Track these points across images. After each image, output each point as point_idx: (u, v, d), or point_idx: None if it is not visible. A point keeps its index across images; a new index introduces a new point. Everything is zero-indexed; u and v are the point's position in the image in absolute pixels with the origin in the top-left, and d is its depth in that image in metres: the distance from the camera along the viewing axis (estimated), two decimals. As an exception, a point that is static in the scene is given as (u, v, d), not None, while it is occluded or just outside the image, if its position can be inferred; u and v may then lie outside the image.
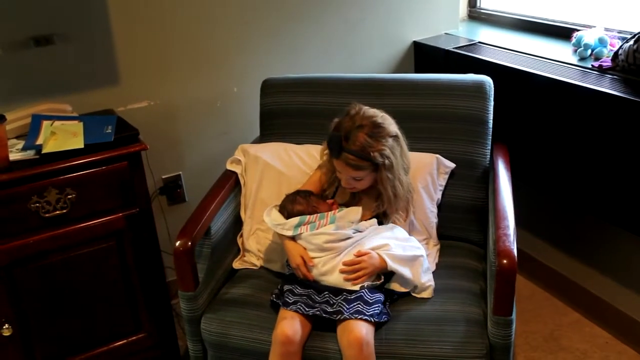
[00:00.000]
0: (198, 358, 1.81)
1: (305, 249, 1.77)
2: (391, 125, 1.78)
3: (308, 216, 1.81)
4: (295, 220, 1.80)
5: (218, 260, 1.92)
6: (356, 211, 1.83)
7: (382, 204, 1.83)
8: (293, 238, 1.80)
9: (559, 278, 2.47)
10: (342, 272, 1.71)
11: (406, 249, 1.76)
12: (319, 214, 1.82)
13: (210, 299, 1.82)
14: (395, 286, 1.75)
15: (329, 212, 1.83)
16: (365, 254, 1.72)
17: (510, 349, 1.59)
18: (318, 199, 1.88)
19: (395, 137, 1.78)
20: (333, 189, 1.92)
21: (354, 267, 1.71)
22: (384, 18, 2.63)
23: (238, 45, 2.40)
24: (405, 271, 1.72)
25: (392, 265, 1.71)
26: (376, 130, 1.73)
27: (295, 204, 1.85)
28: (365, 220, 1.84)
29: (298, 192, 1.89)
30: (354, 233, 1.78)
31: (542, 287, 2.54)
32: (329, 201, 1.89)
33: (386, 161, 1.73)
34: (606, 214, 2.02)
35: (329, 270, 1.73)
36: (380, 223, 1.85)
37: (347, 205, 1.89)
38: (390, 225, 1.85)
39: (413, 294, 1.77)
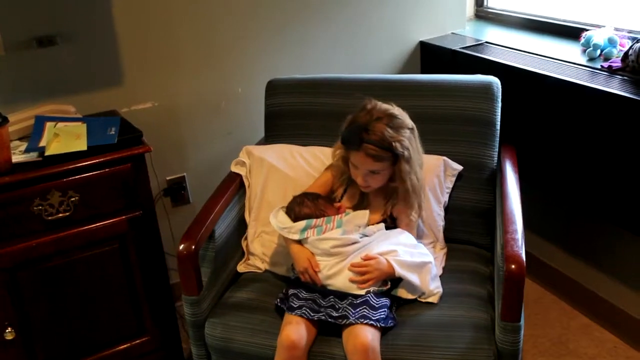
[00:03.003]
0: (202, 362, 1.80)
1: (312, 253, 1.75)
2: (407, 118, 1.78)
3: (315, 220, 1.78)
4: (302, 224, 1.78)
5: (222, 263, 1.90)
6: (363, 214, 1.81)
7: (395, 200, 1.81)
8: (299, 242, 1.78)
9: (567, 281, 2.44)
10: (350, 270, 1.69)
11: (414, 255, 1.74)
12: (325, 218, 1.79)
13: (214, 303, 1.80)
14: (403, 293, 1.73)
15: (336, 216, 1.80)
16: (373, 258, 1.69)
17: (519, 355, 1.56)
18: (326, 202, 1.86)
19: (412, 129, 1.78)
20: (341, 191, 1.90)
21: (361, 269, 1.68)
22: (390, 18, 2.60)
23: (243, 46, 2.38)
24: (413, 278, 1.70)
25: (400, 271, 1.68)
26: (395, 122, 1.73)
27: (303, 207, 1.83)
28: (373, 224, 1.82)
29: (306, 195, 1.87)
30: (361, 238, 1.75)
31: (550, 290, 2.51)
32: (337, 204, 1.87)
33: (405, 152, 1.73)
34: (615, 217, 1.99)
35: (335, 274, 1.70)
36: (387, 228, 1.83)
37: (355, 208, 1.87)
38: (398, 230, 1.83)
39: (419, 299, 1.74)
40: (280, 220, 1.81)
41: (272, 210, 1.87)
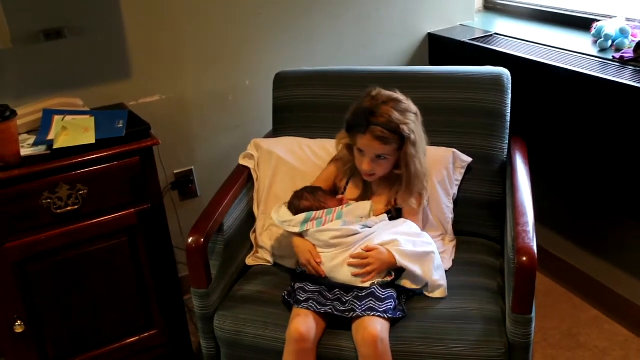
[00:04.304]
0: (211, 356, 1.79)
1: (313, 245, 1.75)
2: (411, 103, 1.79)
3: (315, 212, 1.78)
4: (301, 216, 1.78)
5: (231, 256, 1.89)
6: (365, 206, 1.80)
7: (399, 188, 1.80)
8: (301, 235, 1.78)
9: (577, 274, 2.43)
10: (350, 265, 1.68)
11: (417, 244, 1.72)
12: (326, 210, 1.79)
13: (224, 296, 1.80)
14: (406, 283, 1.71)
15: (337, 208, 1.80)
16: (373, 249, 1.69)
17: (530, 348, 1.56)
18: (326, 194, 1.86)
19: (416, 114, 1.78)
20: (344, 182, 1.89)
21: (362, 262, 1.68)
22: (398, 10, 2.59)
23: (251, 38, 2.37)
24: (415, 268, 1.68)
25: (401, 261, 1.67)
26: (400, 106, 1.75)
27: (302, 200, 1.83)
28: (378, 215, 1.81)
29: (306, 188, 1.87)
30: (362, 229, 1.74)
31: (560, 283, 2.50)
32: (339, 197, 1.86)
33: (412, 135, 1.73)
34: (626, 210, 1.97)
35: (337, 266, 1.70)
36: (392, 219, 1.82)
37: (358, 199, 1.86)
38: (402, 220, 1.81)
39: (425, 293, 1.73)
40: (280, 215, 1.81)
41: (279, 204, 1.87)
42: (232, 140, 2.44)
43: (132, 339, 2.05)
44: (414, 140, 1.73)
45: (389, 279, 1.69)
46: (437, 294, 1.72)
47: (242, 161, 2.05)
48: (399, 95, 1.77)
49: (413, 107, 1.78)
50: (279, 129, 2.17)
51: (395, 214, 1.83)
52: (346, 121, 1.78)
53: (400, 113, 1.72)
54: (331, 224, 1.74)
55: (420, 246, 1.72)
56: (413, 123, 1.74)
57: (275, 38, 2.41)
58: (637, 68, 1.94)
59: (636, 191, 1.91)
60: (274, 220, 1.83)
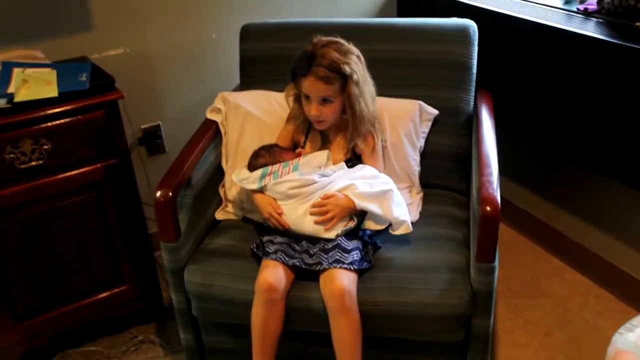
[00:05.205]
0: (182, 309, 1.81)
1: (274, 199, 1.76)
2: (353, 47, 1.80)
3: (271, 167, 1.80)
4: (258, 172, 1.80)
5: (200, 211, 1.89)
6: (321, 155, 1.82)
7: (349, 128, 1.82)
8: (261, 191, 1.79)
9: (541, 226, 2.48)
10: (311, 214, 1.70)
11: (374, 185, 1.74)
12: (282, 163, 1.81)
13: (193, 250, 1.81)
14: (370, 224, 1.74)
15: (293, 160, 1.81)
16: (331, 196, 1.71)
17: (493, 295, 1.60)
18: (282, 149, 1.88)
19: (359, 57, 1.80)
20: (303, 137, 1.91)
21: (321, 209, 1.70)
22: (366, -39, 2.55)
23: (216, -10, 2.32)
24: (374, 207, 1.71)
25: (360, 203, 1.69)
26: (341, 47, 1.77)
27: (259, 158, 1.85)
28: (336, 164, 1.83)
29: (262, 147, 1.89)
30: (320, 178, 1.76)
31: (524, 234, 2.56)
32: (297, 151, 1.88)
33: (354, 75, 1.74)
34: (589, 161, 2.01)
35: (300, 216, 1.72)
36: (351, 167, 1.83)
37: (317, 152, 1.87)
38: (360, 166, 1.83)
39: (391, 232, 1.75)
40: (240, 175, 1.83)
41: (248, 157, 1.88)
42: (199, 95, 2.41)
43: (103, 295, 2.06)
44: (356, 79, 1.75)
45: (352, 224, 1.71)
46: (401, 230, 1.74)
47: (210, 115, 2.03)
48: (339, 39, 1.79)
49: (355, 50, 1.80)
50: (246, 82, 2.15)
51: (356, 161, 1.85)
52: (291, 70, 1.79)
53: (341, 54, 1.75)
54: (288, 176, 1.76)
55: (377, 186, 1.74)
56: (355, 64, 1.76)
57: (242, -10, 2.37)
58: (600, 20, 1.96)
59: (598, 142, 1.95)
60: (234, 180, 1.85)
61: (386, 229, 1.76)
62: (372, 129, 1.85)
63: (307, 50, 1.76)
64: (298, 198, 1.73)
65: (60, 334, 2.05)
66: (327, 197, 1.71)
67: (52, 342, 2.04)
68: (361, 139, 1.84)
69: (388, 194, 1.73)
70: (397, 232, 1.74)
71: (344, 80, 1.75)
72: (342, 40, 1.79)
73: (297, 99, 1.86)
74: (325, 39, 1.79)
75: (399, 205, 1.75)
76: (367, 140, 1.85)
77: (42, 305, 1.97)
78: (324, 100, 1.77)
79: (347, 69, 1.73)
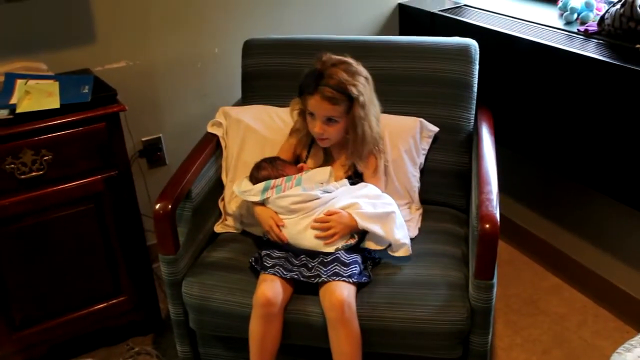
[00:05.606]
0: (179, 321, 1.81)
1: (276, 212, 1.77)
2: (362, 68, 1.81)
3: (274, 180, 1.80)
4: (261, 185, 1.80)
5: (199, 223, 1.89)
6: (324, 171, 1.82)
7: (350, 149, 1.82)
8: (262, 203, 1.79)
9: (539, 243, 2.49)
10: (313, 228, 1.70)
11: (377, 206, 1.75)
12: (285, 177, 1.81)
13: (192, 263, 1.81)
14: (370, 244, 1.74)
15: (296, 175, 1.82)
16: (334, 213, 1.71)
17: (491, 313, 1.60)
18: (285, 163, 1.88)
19: (367, 79, 1.80)
20: (305, 152, 1.91)
21: (324, 225, 1.70)
22: (368, -21, 2.58)
23: (220, 5, 2.34)
24: (376, 228, 1.71)
25: (363, 223, 1.70)
26: (350, 68, 1.77)
27: (261, 170, 1.85)
28: (338, 181, 1.83)
29: (264, 159, 1.90)
30: (322, 194, 1.76)
31: (523, 251, 2.56)
32: (299, 165, 1.88)
33: (361, 97, 1.75)
34: (588, 180, 2.02)
35: (301, 231, 1.72)
36: (353, 184, 1.83)
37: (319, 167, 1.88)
38: (362, 184, 1.84)
39: (390, 253, 1.75)
40: (242, 186, 1.83)
41: (249, 171, 1.88)
42: (201, 108, 2.42)
43: (100, 305, 2.05)
44: (362, 102, 1.75)
45: (352, 242, 1.72)
46: (401, 252, 1.74)
47: (211, 129, 2.04)
48: (349, 59, 1.79)
49: (363, 71, 1.80)
50: (248, 97, 2.16)
51: (356, 179, 1.86)
52: (298, 86, 1.80)
53: (349, 75, 1.75)
54: (291, 190, 1.76)
55: (381, 207, 1.75)
56: (362, 85, 1.76)
57: (245, 6, 2.38)
58: (601, 41, 1.97)
59: (597, 161, 1.96)
60: (235, 192, 1.85)
61: (385, 248, 1.76)
62: (375, 149, 1.86)
63: (316, 68, 1.77)
64: (300, 213, 1.74)
65: (57, 344, 2.04)
66: (330, 214, 1.71)
67: (48, 353, 2.03)
68: (362, 161, 1.84)
69: (391, 215, 1.74)
70: (397, 254, 1.74)
71: (350, 101, 1.75)
72: (351, 60, 1.79)
73: (302, 114, 1.86)
74: (334, 57, 1.79)
75: (400, 228, 1.75)
76: (369, 161, 1.86)
77: (40, 315, 1.97)
78: (329, 120, 1.77)
79: (354, 91, 1.73)
